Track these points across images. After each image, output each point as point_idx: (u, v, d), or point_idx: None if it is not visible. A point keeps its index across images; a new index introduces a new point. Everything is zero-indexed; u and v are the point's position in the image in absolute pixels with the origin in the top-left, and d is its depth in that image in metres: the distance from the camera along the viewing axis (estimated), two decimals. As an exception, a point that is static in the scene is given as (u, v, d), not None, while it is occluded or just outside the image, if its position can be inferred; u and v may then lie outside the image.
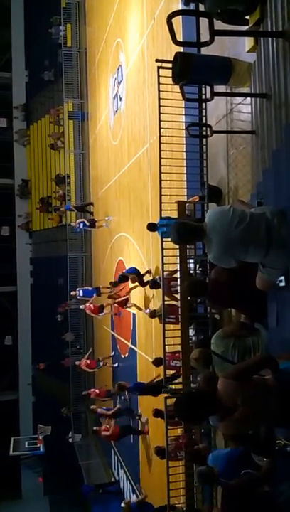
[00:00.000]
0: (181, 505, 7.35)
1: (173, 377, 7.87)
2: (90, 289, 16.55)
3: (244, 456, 4.06)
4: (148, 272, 11.59)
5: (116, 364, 16.17)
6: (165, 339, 7.54)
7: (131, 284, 12.45)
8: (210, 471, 4.80)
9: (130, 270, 12.36)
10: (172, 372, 7.83)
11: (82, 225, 18.48)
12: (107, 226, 16.92)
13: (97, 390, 15.02)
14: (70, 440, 20.48)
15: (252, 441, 3.13)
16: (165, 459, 7.48)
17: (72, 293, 16.90)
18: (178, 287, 7.73)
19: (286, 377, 2.89)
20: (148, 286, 11.28)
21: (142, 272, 11.89)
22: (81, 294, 16.05)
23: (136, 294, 12.72)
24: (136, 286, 12.24)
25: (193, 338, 7.29)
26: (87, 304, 14.83)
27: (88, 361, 16.42)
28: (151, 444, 11.49)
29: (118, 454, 16.00)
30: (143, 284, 11.79)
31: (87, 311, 14.94)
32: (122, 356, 15.16)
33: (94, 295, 15.49)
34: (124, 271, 12.82)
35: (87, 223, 18.18)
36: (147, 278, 11.50)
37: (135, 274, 11.86)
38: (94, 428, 14.21)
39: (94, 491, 16.22)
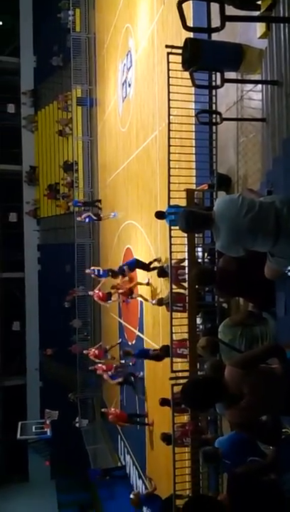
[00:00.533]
0: (187, 491, 7.42)
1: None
2: (102, 272, 16.22)
3: (248, 439, 4.10)
4: (158, 260, 11.56)
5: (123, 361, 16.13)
6: (173, 327, 7.57)
7: (136, 279, 12.50)
8: (215, 451, 4.86)
9: (130, 262, 12.36)
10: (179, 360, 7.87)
11: (88, 219, 18.46)
12: (116, 216, 16.82)
13: (96, 351, 15.00)
14: (77, 425, 20.72)
15: (259, 429, 3.14)
16: (172, 445, 7.55)
17: (87, 271, 16.90)
18: (186, 276, 7.73)
19: (293, 367, 2.89)
20: (155, 278, 11.27)
21: (147, 261, 11.91)
22: (96, 273, 15.92)
23: (143, 286, 12.73)
24: (141, 284, 12.30)
25: (201, 327, 7.31)
26: (96, 291, 14.84)
27: (96, 351, 16.50)
28: (157, 430, 11.59)
29: (124, 440, 16.17)
30: (148, 269, 11.80)
31: (96, 298, 14.95)
32: (129, 343, 15.22)
33: (104, 279, 15.35)
34: (125, 262, 12.78)
35: (94, 217, 18.16)
36: (155, 265, 11.50)
37: (134, 267, 11.85)
38: (103, 410, 14.39)
39: (101, 475, 16.43)
